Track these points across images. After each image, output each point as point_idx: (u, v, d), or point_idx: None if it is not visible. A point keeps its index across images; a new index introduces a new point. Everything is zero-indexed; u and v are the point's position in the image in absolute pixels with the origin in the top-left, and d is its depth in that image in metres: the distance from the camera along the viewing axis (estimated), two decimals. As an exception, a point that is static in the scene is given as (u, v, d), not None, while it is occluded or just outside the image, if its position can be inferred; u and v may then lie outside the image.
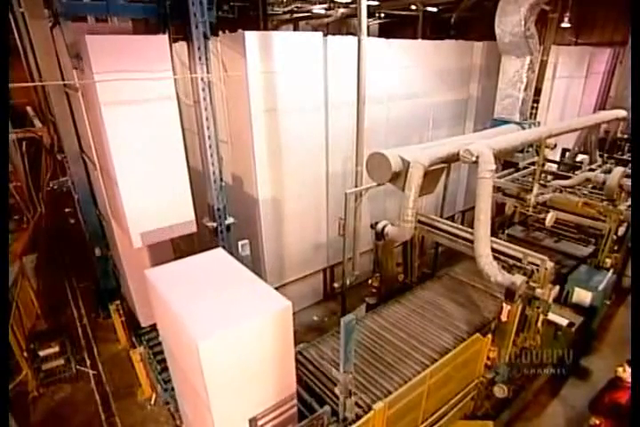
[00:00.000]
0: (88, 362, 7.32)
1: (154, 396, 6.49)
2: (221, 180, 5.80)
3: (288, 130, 6.93)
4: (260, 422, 3.87)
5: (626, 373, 5.10)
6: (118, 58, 4.77)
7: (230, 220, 5.95)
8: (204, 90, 5.45)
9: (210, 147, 5.68)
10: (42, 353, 6.98)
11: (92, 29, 5.43)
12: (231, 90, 6.49)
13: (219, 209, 5.80)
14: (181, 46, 5.62)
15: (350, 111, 6.88)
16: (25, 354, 6.78)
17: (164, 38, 5.06)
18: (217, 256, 4.62)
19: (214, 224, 5.83)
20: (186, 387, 4.40)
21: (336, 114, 7.36)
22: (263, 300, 3.86)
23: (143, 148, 5.28)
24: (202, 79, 5.38)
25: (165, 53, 5.08)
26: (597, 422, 5.31)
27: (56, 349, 7.07)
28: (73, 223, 8.26)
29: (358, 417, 4.22)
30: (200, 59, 5.27)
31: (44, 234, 9.51)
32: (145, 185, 5.40)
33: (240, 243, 5.42)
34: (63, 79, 5.84)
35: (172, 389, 5.97)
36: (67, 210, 8.40)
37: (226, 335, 3.48)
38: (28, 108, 10.87)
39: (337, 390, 4.09)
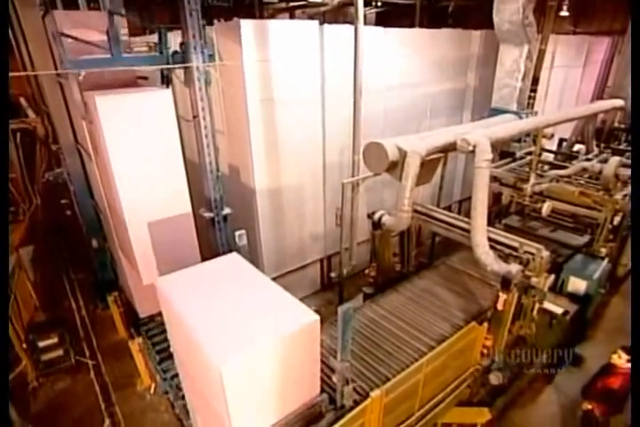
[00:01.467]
0: (87, 353, 7.37)
1: (153, 385, 6.55)
2: (218, 170, 5.77)
3: (285, 120, 6.89)
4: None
5: (620, 359, 5.18)
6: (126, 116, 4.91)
7: (227, 210, 5.94)
8: (199, 79, 5.39)
9: (206, 137, 5.64)
10: (41, 344, 7.01)
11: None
12: (227, 79, 6.42)
13: (215, 199, 5.78)
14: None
15: (347, 101, 6.84)
16: (24, 345, 6.81)
17: (168, 93, 5.24)
18: (232, 262, 4.28)
19: (211, 215, 5.82)
20: (199, 400, 4.19)
21: (333, 103, 7.33)
22: (288, 313, 3.51)
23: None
24: (197, 68, 5.32)
25: (169, 105, 5.22)
26: (590, 406, 5.41)
27: (55, 340, 7.10)
28: (69, 215, 8.23)
29: (357, 403, 4.27)
30: (195, 48, 5.20)
31: (40, 226, 9.48)
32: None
33: (237, 233, 5.41)
34: (56, 68, 5.76)
35: (172, 378, 6.02)
36: (63, 202, 8.36)
37: (250, 356, 3.19)
38: (22, 99, 10.75)
39: (334, 379, 4.13)
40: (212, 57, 5.43)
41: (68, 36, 5.19)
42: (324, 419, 4.12)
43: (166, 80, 5.63)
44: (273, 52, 6.39)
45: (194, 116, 5.56)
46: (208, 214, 5.86)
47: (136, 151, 5.10)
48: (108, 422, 6.10)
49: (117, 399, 6.47)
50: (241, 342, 3.24)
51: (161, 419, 6.13)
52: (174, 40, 5.70)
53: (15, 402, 5.70)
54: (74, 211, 7.77)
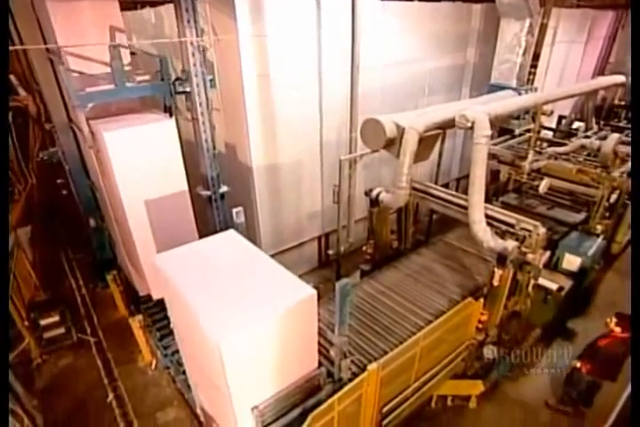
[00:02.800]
0: (88, 330, 7.46)
1: (154, 361, 6.68)
2: (214, 148, 5.72)
3: (281, 96, 6.79)
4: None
5: (612, 323, 5.46)
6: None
7: (224, 188, 5.92)
8: (194, 55, 5.26)
9: (202, 114, 5.56)
10: (42, 322, 7.09)
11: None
12: (222, 55, 6.28)
13: (212, 177, 5.75)
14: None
15: (345, 77, 6.73)
16: (26, 323, 6.89)
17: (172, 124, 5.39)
18: (230, 239, 4.29)
19: (208, 193, 5.80)
20: (199, 374, 4.28)
21: (330, 80, 7.19)
22: (285, 288, 3.55)
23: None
24: (191, 43, 5.19)
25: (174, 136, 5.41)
26: (578, 364, 5.65)
27: (56, 318, 7.18)
28: (65, 194, 8.17)
29: (355, 375, 4.37)
30: (189, 21, 5.05)
31: (36, 206, 9.44)
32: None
33: (234, 210, 5.37)
34: (45, 43, 5.62)
35: (172, 354, 6.13)
36: (58, 181, 8.29)
37: (248, 331, 3.24)
38: (12, 77, 10.51)
39: (332, 352, 4.21)
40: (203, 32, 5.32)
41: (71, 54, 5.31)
42: (322, 392, 4.22)
43: (169, 109, 5.67)
44: (269, 27, 6.23)
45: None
46: (205, 193, 5.83)
47: (143, 178, 5.26)
48: (111, 396, 6.24)
49: (120, 375, 6.60)
50: (239, 317, 3.27)
51: (163, 393, 6.27)
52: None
53: (20, 378, 5.82)
54: (70, 190, 7.71)
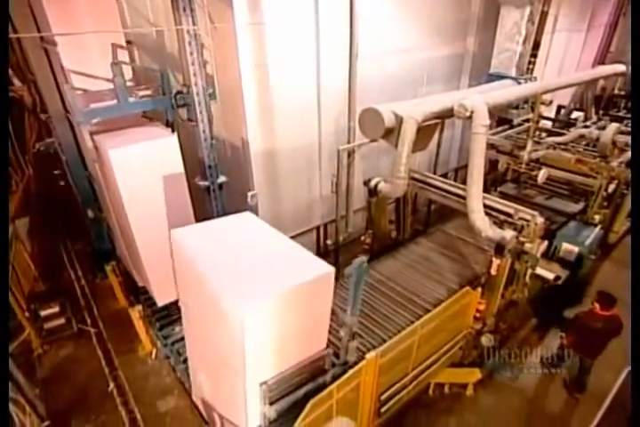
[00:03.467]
0: (89, 321, 7.50)
1: (154, 351, 6.73)
2: (212, 138, 5.69)
3: (279, 85, 6.72)
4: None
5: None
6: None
7: (222, 178, 5.90)
8: (190, 43, 5.20)
9: (199, 104, 5.52)
10: (43, 313, 7.12)
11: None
12: (219, 43, 6.21)
13: (210, 167, 5.73)
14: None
15: (343, 66, 6.67)
16: (26, 314, 6.93)
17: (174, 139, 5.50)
18: (245, 219, 4.35)
19: (206, 183, 5.78)
20: (207, 355, 4.31)
21: (328, 69, 7.12)
22: (304, 264, 3.61)
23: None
24: (187, 32, 5.12)
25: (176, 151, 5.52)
26: (562, 335, 5.98)
27: (56, 309, 7.20)
28: (63, 185, 8.15)
29: (355, 363, 4.41)
30: (184, 9, 4.98)
31: (34, 197, 9.42)
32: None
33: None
34: (39, 31, 5.55)
35: (172, 344, 6.19)
36: (55, 172, 8.26)
37: (269, 304, 3.27)
38: (7, 67, 10.40)
39: (342, 333, 4.21)
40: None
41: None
42: (327, 374, 4.27)
43: (171, 124, 5.76)
44: (266, 15, 6.14)
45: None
46: (203, 183, 5.81)
47: (147, 191, 5.39)
48: (112, 385, 6.30)
49: (120, 364, 6.65)
50: (260, 291, 3.29)
51: (163, 382, 6.33)
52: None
53: (22, 368, 5.86)
54: (67, 181, 7.68)
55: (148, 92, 5.83)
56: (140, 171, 5.19)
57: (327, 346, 4.23)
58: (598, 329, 5.49)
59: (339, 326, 4.29)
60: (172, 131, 5.66)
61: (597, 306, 5.55)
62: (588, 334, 5.64)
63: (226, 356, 3.73)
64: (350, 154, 6.75)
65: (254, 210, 5.42)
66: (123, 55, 5.88)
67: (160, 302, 6.14)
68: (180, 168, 5.54)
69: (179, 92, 5.49)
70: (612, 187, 7.46)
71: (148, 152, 5.22)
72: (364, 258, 3.64)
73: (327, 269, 3.52)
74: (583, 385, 6.05)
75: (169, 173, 5.48)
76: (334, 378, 4.20)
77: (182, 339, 6.08)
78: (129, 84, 5.72)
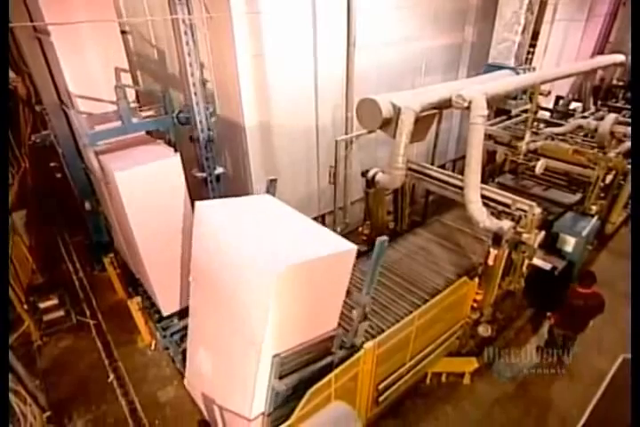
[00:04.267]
0: (87, 313, 7.52)
1: (153, 342, 6.76)
2: (209, 129, 5.66)
3: (276, 76, 6.67)
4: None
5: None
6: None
7: (220, 170, 5.88)
8: (185, 33, 5.13)
9: (195, 95, 5.48)
10: (42, 305, 7.15)
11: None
12: (215, 33, 6.16)
13: (207, 159, 5.71)
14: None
15: (340, 57, 6.61)
16: (25, 307, 6.94)
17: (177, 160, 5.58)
18: (266, 200, 4.53)
19: (203, 175, 5.77)
20: (219, 331, 4.37)
21: (325, 59, 7.07)
22: (327, 240, 3.75)
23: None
24: (183, 21, 5.06)
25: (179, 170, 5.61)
26: (549, 314, 6.22)
27: (55, 301, 7.22)
28: (59, 178, 8.10)
29: (352, 354, 4.45)
30: (180, -1, 4.93)
31: (30, 190, 9.38)
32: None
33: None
34: (32, 20, 5.48)
35: (171, 335, 6.23)
36: (52, 164, 8.21)
37: (296, 270, 3.33)
38: (0, 58, 10.25)
39: (354, 313, 4.26)
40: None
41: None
42: (334, 355, 4.36)
43: (174, 144, 5.90)
44: (263, 3, 6.07)
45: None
46: (200, 174, 5.80)
47: (152, 209, 5.56)
48: (112, 376, 6.34)
49: (120, 356, 6.68)
50: (288, 256, 3.37)
51: (163, 373, 6.37)
52: None
53: (22, 359, 5.88)
54: (64, 174, 7.64)
55: (151, 113, 6.01)
56: (144, 190, 5.39)
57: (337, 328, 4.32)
58: (580, 306, 5.77)
59: (348, 311, 4.39)
60: (175, 150, 5.77)
61: (578, 285, 5.80)
62: (571, 312, 5.89)
63: (242, 326, 3.80)
64: (348, 145, 6.73)
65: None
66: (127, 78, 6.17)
67: (165, 312, 6.39)
68: (182, 186, 5.72)
69: (180, 111, 5.70)
70: (609, 178, 7.46)
71: (152, 173, 5.41)
72: (385, 237, 3.75)
73: (350, 246, 3.64)
74: (568, 351, 6.36)
75: (172, 190, 5.65)
76: (341, 360, 4.29)
77: (181, 330, 6.13)
78: (132, 104, 5.96)
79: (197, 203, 4.13)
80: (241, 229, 3.69)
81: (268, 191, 4.94)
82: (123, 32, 6.32)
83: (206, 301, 4.52)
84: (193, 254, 4.45)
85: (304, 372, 4.13)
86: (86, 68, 5.94)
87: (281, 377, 3.94)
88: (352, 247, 3.64)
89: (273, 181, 4.97)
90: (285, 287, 3.35)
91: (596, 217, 7.26)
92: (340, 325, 4.42)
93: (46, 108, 6.71)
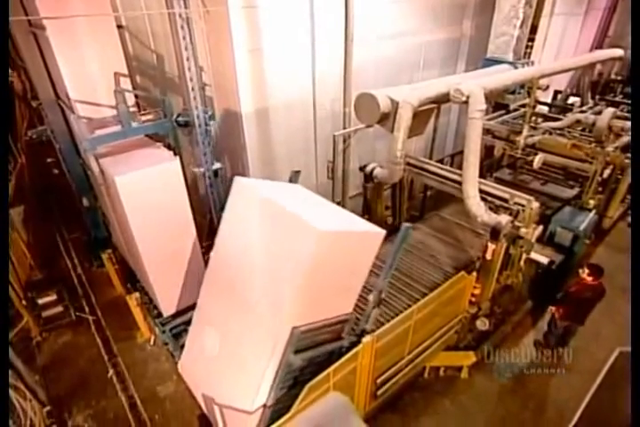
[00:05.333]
0: (86, 309, 7.53)
1: (152, 338, 6.78)
2: (206, 124, 5.64)
3: (274, 71, 6.63)
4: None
5: (584, 273, 5.86)
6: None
7: (217, 165, 5.87)
8: (182, 28, 5.11)
9: (192, 90, 5.45)
10: (40, 301, 7.14)
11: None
12: (212, 28, 6.11)
13: (205, 154, 5.69)
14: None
15: (337, 51, 6.57)
16: (24, 302, 6.94)
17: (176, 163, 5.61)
18: (296, 187, 4.87)
19: (201, 170, 5.76)
20: (236, 310, 4.46)
21: (323, 53, 7.02)
22: (358, 223, 4.12)
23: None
24: (180, 15, 5.03)
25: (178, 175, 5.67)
26: (553, 309, 6.23)
27: (53, 297, 7.23)
28: (57, 174, 8.09)
29: (351, 347, 4.48)
30: (175, -9, 4.89)
31: (27, 186, 9.36)
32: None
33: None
34: (26, 14, 5.43)
35: (170, 330, 6.23)
36: (49, 160, 8.19)
37: (338, 236, 3.68)
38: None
39: (370, 297, 4.45)
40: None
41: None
42: (344, 340, 4.47)
43: (173, 148, 5.91)
44: (259, -3, 6.02)
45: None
46: (198, 170, 5.79)
47: (152, 212, 5.62)
48: (111, 371, 6.37)
49: (119, 351, 6.71)
50: (329, 222, 3.72)
51: (162, 368, 6.40)
52: None
53: (21, 355, 5.89)
54: (61, 169, 7.62)
55: (150, 117, 6.04)
56: (145, 195, 5.43)
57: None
58: (588, 298, 5.86)
59: (359, 301, 4.57)
60: (175, 154, 5.78)
61: (589, 278, 5.80)
62: (579, 304, 5.98)
63: (266, 296, 4.01)
64: (346, 139, 6.71)
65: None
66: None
67: (166, 313, 6.48)
68: (182, 188, 5.76)
69: (179, 115, 5.74)
70: (607, 172, 7.47)
71: (152, 177, 5.44)
72: (409, 224, 4.14)
73: (379, 230, 4.01)
74: (566, 342, 6.51)
75: (172, 194, 5.71)
76: (348, 348, 4.44)
77: (180, 325, 6.13)
78: (132, 109, 5.98)
79: (236, 177, 4.45)
80: (284, 198, 4.04)
81: (290, 181, 5.14)
82: (119, 27, 6.26)
83: (226, 277, 4.62)
84: (221, 226, 4.61)
85: (316, 351, 4.24)
86: (84, 67, 5.89)
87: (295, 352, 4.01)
88: (381, 231, 3.96)
89: (297, 173, 5.14)
90: (323, 250, 3.62)
91: (593, 211, 7.28)
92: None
93: (42, 104, 6.67)
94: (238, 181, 4.40)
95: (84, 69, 5.91)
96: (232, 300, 4.50)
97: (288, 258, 3.79)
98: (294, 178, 5.08)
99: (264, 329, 4.04)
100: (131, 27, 7.49)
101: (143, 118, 6.00)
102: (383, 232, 3.98)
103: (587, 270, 5.82)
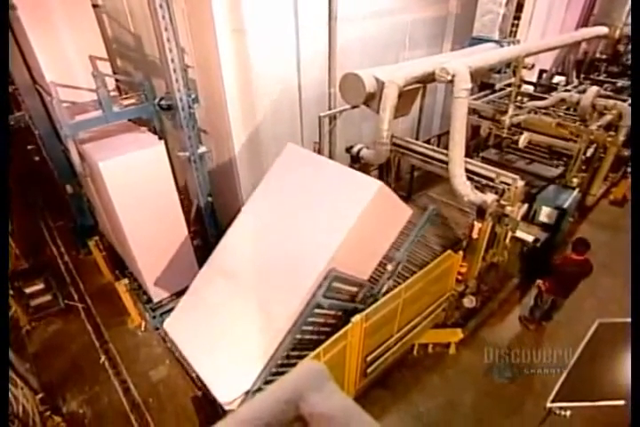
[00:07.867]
0: (75, 296, 7.50)
1: (143, 323, 6.80)
2: (190, 107, 5.54)
3: (257, 52, 6.49)
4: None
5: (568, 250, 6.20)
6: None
7: (202, 148, 5.80)
8: (161, 6, 4.94)
9: (174, 72, 5.32)
10: (27, 290, 7.08)
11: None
12: (192, 7, 5.93)
13: (189, 137, 5.61)
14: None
15: (322, 31, 6.46)
16: (11, 292, 6.87)
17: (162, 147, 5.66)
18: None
19: (186, 154, 5.68)
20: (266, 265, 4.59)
21: (307, 33, 6.89)
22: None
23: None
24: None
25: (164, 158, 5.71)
26: (540, 282, 6.47)
27: (41, 286, 7.17)
28: (38, 161, 7.92)
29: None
30: (152, -33, 4.72)
31: (9, 174, 9.15)
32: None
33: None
34: None
35: (161, 315, 6.26)
36: (29, 147, 8.00)
37: (387, 196, 4.32)
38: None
39: (389, 267, 4.86)
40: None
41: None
42: (356, 304, 4.71)
43: (159, 131, 5.90)
44: (240, -26, 5.84)
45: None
46: (183, 154, 5.71)
47: (139, 197, 5.58)
48: (103, 357, 6.39)
49: (110, 337, 6.72)
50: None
51: (154, 352, 6.44)
52: None
53: (11, 344, 5.87)
54: (42, 156, 7.46)
55: (132, 101, 5.88)
56: (130, 180, 5.36)
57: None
58: (573, 272, 6.06)
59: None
60: (160, 138, 5.69)
61: (572, 251, 6.02)
62: (564, 278, 6.18)
63: (307, 245, 4.31)
64: (331, 121, 6.66)
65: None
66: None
67: (156, 299, 6.52)
68: (168, 172, 5.71)
69: (162, 99, 5.62)
70: (590, 151, 7.56)
71: (137, 162, 5.37)
72: (435, 207, 4.96)
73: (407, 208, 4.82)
74: (550, 317, 6.76)
75: (158, 178, 5.65)
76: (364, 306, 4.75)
77: (170, 310, 6.15)
78: (113, 93, 5.88)
79: (289, 144, 5.07)
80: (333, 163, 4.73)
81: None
82: (95, 6, 6.03)
83: (260, 231, 4.75)
84: (262, 186, 4.96)
85: (336, 304, 4.45)
86: (60, 49, 5.74)
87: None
88: (411, 210, 4.81)
89: None
90: (377, 202, 4.17)
91: (577, 190, 7.39)
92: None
93: (19, 89, 6.47)
94: (291, 146, 5.02)
95: (61, 52, 5.75)
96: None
97: (345, 204, 4.23)
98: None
99: (307, 274, 4.22)
100: (108, 6, 7.23)
101: (125, 103, 5.87)
102: (411, 211, 4.71)
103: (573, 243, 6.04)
